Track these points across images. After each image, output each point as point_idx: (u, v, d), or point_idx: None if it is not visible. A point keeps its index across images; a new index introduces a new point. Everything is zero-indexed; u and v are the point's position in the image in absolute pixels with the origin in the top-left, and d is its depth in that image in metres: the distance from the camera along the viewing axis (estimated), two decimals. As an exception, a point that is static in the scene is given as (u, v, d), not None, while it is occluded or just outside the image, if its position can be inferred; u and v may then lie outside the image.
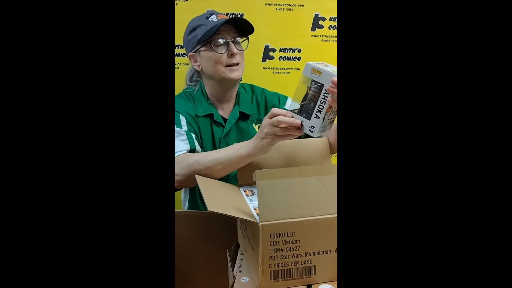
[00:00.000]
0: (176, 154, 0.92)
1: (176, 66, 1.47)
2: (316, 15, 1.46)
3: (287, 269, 0.65)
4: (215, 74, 1.02)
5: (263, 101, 1.11)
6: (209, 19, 1.00)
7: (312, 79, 0.77)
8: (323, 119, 0.79)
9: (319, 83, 0.77)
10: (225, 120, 1.06)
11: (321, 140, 0.92)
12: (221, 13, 1.03)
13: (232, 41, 1.00)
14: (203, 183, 0.78)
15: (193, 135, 0.98)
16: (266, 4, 1.43)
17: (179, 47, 1.41)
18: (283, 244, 0.64)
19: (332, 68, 0.78)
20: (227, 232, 0.82)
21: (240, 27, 1.02)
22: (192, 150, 0.95)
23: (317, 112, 0.78)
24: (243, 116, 1.08)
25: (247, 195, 0.81)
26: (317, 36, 1.47)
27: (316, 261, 0.66)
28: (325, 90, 0.76)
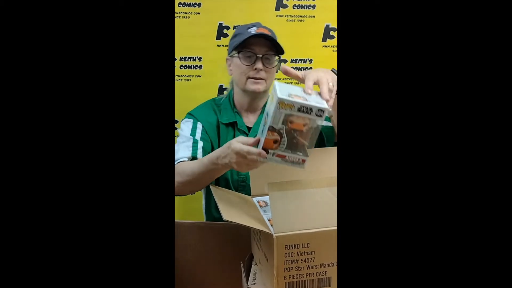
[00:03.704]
0: (177, 161, 0.96)
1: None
2: (327, 26, 1.47)
3: (302, 280, 0.65)
4: (239, 82, 1.06)
5: None
6: (249, 30, 1.03)
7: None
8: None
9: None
10: (249, 128, 1.08)
11: (333, 150, 0.92)
12: (263, 27, 1.05)
13: (262, 57, 1.02)
14: (217, 193, 0.78)
15: (201, 144, 1.00)
16: (277, 15, 1.45)
17: (199, 59, 1.45)
18: (298, 255, 0.64)
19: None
20: (241, 243, 0.82)
21: (274, 44, 1.03)
22: (193, 158, 0.98)
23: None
24: None
25: (260, 206, 0.81)
26: (328, 46, 1.48)
27: (332, 273, 0.66)
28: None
